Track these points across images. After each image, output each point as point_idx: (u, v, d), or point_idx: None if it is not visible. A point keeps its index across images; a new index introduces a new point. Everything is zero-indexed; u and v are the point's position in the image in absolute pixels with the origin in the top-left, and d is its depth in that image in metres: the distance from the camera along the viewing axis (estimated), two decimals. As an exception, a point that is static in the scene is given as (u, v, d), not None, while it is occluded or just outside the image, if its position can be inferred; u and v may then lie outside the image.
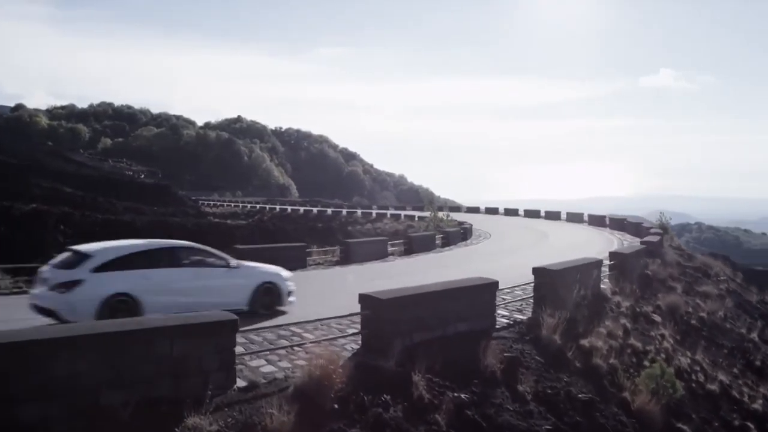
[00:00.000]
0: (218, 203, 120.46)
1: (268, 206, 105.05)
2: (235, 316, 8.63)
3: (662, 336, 15.99)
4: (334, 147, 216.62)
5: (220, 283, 13.62)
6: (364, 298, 10.85)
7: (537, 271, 15.45)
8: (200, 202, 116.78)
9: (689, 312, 19.23)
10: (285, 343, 10.79)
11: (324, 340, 10.78)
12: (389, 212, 77.41)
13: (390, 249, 29.06)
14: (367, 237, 61.93)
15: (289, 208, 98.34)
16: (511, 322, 13.93)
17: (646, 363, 14.29)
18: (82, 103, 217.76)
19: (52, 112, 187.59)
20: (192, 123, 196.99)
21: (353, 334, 11.18)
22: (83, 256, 12.42)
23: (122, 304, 11.73)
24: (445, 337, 11.69)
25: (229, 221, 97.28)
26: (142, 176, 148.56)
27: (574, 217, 55.86)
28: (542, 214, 63.05)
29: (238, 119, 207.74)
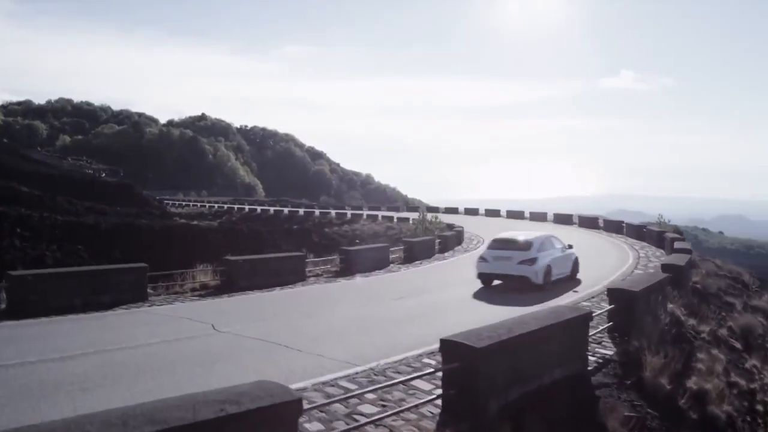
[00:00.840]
0: (184, 203, 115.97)
1: (236, 206, 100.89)
2: (299, 394, 5.48)
3: (756, 368, 13.24)
4: (301, 146, 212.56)
5: (565, 260, 19.86)
6: (449, 346, 7.76)
7: (614, 293, 12.57)
8: (165, 202, 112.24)
9: (761, 334, 16.59)
10: (341, 410, 7.61)
11: (399, 410, 7.60)
12: (365, 213, 74.22)
13: (390, 256, 25.96)
14: (345, 239, 58.86)
15: (259, 209, 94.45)
16: (600, 360, 10.95)
17: (759, 407, 11.51)
18: (39, 99, 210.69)
19: (8, 108, 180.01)
20: (155, 121, 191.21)
21: (433, 398, 7.99)
22: (528, 243, 18.75)
23: (548, 272, 18.26)
24: (542, 388, 8.69)
25: (195, 222, 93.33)
26: (103, 175, 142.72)
27: (563, 219, 53.34)
28: (527, 215, 60.52)
29: (203, 117, 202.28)
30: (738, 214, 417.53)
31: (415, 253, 27.44)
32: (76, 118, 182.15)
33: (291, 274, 19.73)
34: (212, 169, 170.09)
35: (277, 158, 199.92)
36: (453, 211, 77.01)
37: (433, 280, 20.68)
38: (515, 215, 62.09)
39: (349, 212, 78.52)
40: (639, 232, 38.30)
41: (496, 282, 18.88)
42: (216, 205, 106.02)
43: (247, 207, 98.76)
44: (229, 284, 17.89)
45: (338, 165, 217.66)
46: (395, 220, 61.87)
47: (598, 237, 39.49)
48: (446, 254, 30.24)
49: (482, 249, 31.74)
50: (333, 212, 79.45)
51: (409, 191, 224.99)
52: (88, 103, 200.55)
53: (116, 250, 45.98)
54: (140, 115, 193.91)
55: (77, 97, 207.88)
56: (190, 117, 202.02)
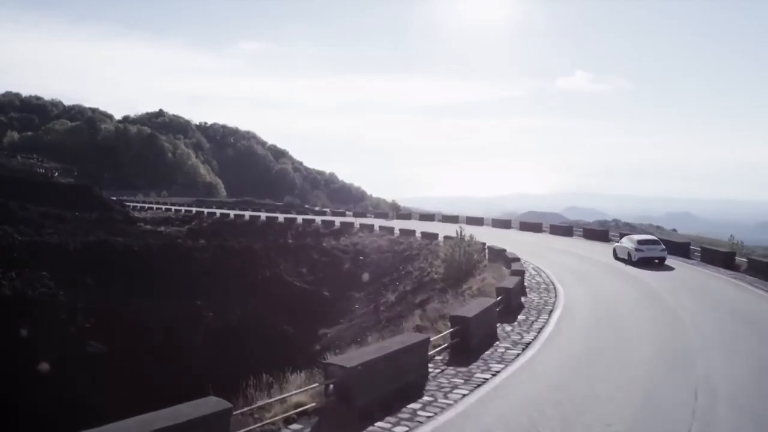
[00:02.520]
0: (146, 206, 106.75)
1: (205, 210, 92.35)
2: None
3: None
4: (263, 144, 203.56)
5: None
6: None
7: None
8: (126, 204, 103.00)
9: None
10: None
11: None
12: (356, 221, 66.75)
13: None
14: (347, 255, 50.90)
15: (232, 214, 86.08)
16: None
17: None
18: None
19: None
20: (110, 117, 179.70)
21: None
22: (658, 240, 34.68)
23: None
24: None
25: (162, 228, 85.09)
26: (56, 174, 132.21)
27: (593, 234, 47.36)
28: (545, 228, 54.17)
29: (160, 113, 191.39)
30: (685, 212, 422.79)
31: (512, 302, 20.59)
32: (24, 113, 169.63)
33: (411, 370, 12.69)
34: (172, 169, 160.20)
35: (239, 156, 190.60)
36: (429, 218, 71.56)
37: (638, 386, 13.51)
38: (530, 227, 55.84)
39: (336, 219, 71.07)
40: (719, 257, 32.20)
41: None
42: (183, 209, 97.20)
43: (217, 211, 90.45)
44: (342, 402, 10.71)
45: (301, 164, 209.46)
46: (396, 232, 54.73)
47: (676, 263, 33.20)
48: (531, 296, 23.39)
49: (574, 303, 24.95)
50: (318, 220, 71.82)
51: (370, 190, 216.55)
52: (38, 98, 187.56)
53: (88, 276, 37.90)
54: (94, 110, 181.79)
55: (26, 91, 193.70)
56: (147, 113, 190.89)
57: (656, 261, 32.34)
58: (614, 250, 35.91)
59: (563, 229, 51.44)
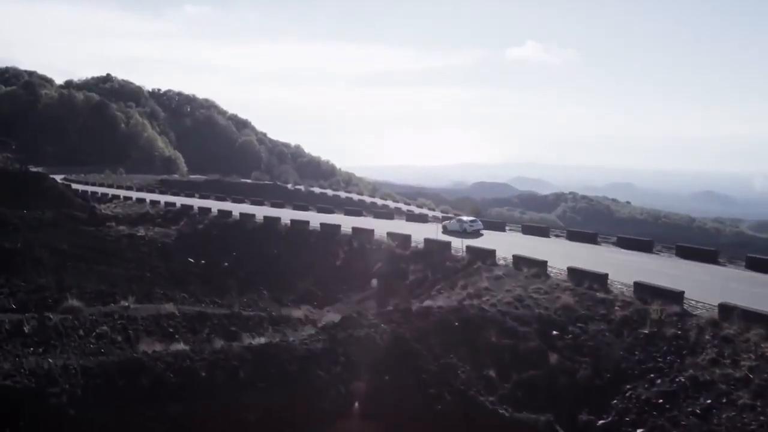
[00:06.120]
0: (108, 193, 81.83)
1: (195, 205, 68.33)
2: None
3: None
4: (224, 113, 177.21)
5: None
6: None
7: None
8: (84, 191, 78.45)
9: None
10: None
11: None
12: (458, 239, 45.00)
13: None
14: (528, 330, 27.84)
15: (236, 212, 62.28)
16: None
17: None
18: None
19: None
20: (50, 81, 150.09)
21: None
22: (476, 221, 50.40)
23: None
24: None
25: (141, 231, 61.91)
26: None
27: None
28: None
29: (108, 78, 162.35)
30: (627, 182, 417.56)
31: None
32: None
33: None
34: (125, 141, 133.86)
35: (198, 127, 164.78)
36: (498, 227, 50.32)
37: None
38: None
39: (406, 231, 49.11)
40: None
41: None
42: (162, 200, 72.95)
43: (213, 206, 66.44)
44: None
45: (265, 135, 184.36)
46: (558, 270, 33.07)
47: None
48: None
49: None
50: (381, 231, 49.33)
51: (344, 164, 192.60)
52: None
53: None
54: (31, 74, 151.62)
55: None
56: (94, 78, 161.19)
57: (471, 231, 48.18)
58: (444, 227, 49.11)
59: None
